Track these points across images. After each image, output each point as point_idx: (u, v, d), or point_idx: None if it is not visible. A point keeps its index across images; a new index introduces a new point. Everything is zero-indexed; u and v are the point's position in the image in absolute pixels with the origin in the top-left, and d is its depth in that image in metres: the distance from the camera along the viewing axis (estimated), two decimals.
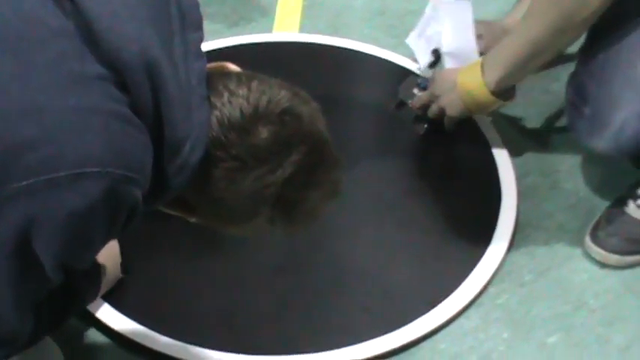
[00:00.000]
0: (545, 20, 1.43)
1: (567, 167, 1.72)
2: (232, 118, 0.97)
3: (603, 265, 1.52)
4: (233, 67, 1.09)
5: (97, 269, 1.31)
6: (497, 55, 1.55)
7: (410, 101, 1.76)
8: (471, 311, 1.44)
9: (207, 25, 2.08)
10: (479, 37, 1.72)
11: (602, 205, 1.60)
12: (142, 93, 0.89)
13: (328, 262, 1.50)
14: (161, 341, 1.34)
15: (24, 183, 0.81)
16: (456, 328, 1.41)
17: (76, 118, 0.84)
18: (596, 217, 1.56)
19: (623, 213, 1.53)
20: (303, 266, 1.49)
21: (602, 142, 1.48)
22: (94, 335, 1.37)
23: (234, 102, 0.98)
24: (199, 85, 0.97)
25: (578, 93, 1.52)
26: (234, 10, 2.15)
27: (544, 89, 1.89)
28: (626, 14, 1.42)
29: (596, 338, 1.40)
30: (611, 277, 1.50)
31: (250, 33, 2.05)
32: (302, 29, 2.10)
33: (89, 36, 0.87)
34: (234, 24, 2.10)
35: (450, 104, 1.64)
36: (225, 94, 0.99)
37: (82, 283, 1.24)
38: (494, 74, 1.55)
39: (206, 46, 1.89)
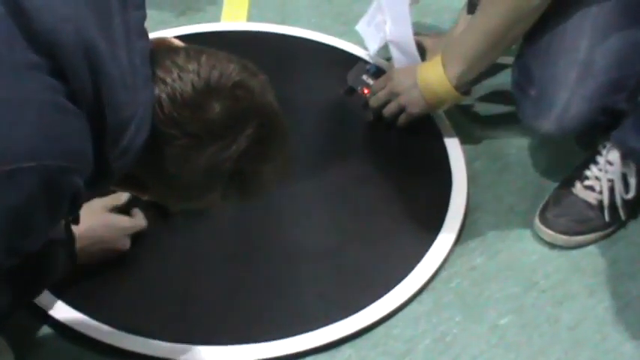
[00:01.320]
0: (500, 10, 1.45)
1: (516, 150, 1.74)
2: (184, 93, 0.96)
3: (552, 245, 1.54)
4: (176, 41, 1.07)
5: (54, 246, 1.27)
6: (457, 49, 1.56)
7: (359, 87, 1.76)
8: (424, 295, 1.45)
9: (154, 15, 2.06)
10: (429, 50, 1.73)
11: (550, 187, 1.62)
12: (80, 76, 0.87)
13: (280, 249, 1.50)
14: (112, 334, 1.32)
15: None
16: (409, 313, 1.42)
17: (7, 112, 0.82)
18: (545, 199, 1.59)
19: (571, 193, 1.56)
20: (255, 253, 1.49)
21: (547, 123, 1.51)
22: (44, 331, 1.35)
23: (184, 77, 0.97)
24: (143, 64, 0.95)
25: (524, 74, 1.55)
26: None
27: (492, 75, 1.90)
28: None
29: (547, 318, 1.43)
30: (560, 258, 1.53)
31: (198, 22, 2.03)
32: (250, 18, 2.08)
33: (20, 18, 0.84)
34: (182, 13, 2.08)
35: (412, 102, 1.64)
36: (175, 70, 0.97)
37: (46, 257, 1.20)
38: (456, 68, 1.56)
39: (153, 36, 1.88)
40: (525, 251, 1.54)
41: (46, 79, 0.85)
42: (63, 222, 1.14)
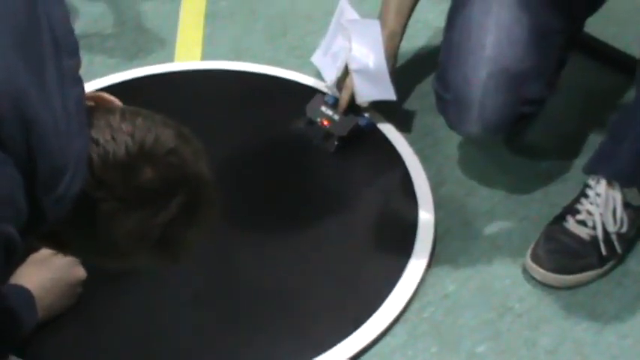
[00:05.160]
0: None
1: (481, 174, 1.72)
2: (117, 155, 0.94)
3: (524, 268, 1.51)
4: (114, 100, 1.06)
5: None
6: None
7: (318, 119, 1.74)
8: (397, 328, 1.41)
9: (105, 59, 2.02)
10: None
11: (517, 210, 1.61)
12: (8, 123, 0.84)
13: (246, 288, 1.46)
14: None
15: None
16: (383, 347, 1.39)
17: None
18: (537, 237, 1.53)
19: (563, 229, 1.50)
20: (219, 294, 1.45)
21: (470, 125, 1.51)
22: None
23: (118, 139, 0.95)
24: (78, 111, 0.92)
25: (440, 81, 1.56)
26: (133, 42, 2.09)
27: None
28: None
29: (524, 342, 1.40)
30: (534, 280, 1.50)
31: (151, 64, 2.00)
32: (204, 57, 2.06)
33: None
34: (134, 56, 2.04)
35: None
36: (108, 131, 0.95)
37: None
38: None
39: (106, 80, 1.86)
40: (497, 275, 1.51)
41: None
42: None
